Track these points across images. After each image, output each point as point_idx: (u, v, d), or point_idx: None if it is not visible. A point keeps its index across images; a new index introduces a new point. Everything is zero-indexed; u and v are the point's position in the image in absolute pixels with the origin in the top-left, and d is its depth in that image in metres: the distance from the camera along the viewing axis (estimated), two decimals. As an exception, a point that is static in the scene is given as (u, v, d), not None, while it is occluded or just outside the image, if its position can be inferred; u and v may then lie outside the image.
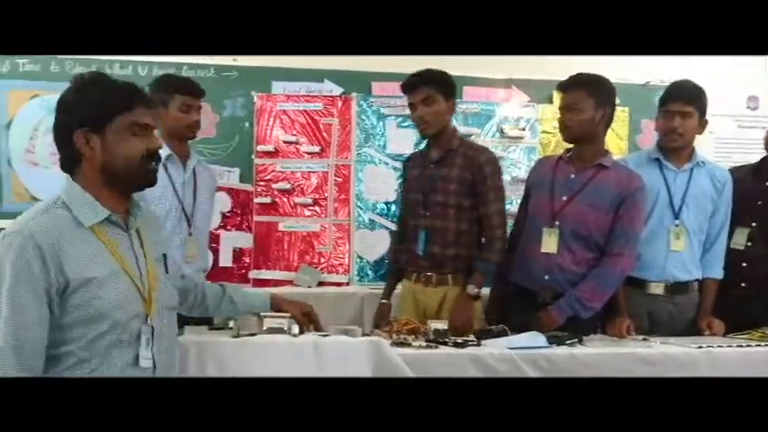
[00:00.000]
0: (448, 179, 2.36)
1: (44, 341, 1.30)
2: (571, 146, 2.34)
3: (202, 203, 2.59)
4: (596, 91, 2.23)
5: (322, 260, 3.51)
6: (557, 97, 2.39)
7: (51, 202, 1.40)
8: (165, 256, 1.54)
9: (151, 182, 1.47)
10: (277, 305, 1.89)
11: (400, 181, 3.57)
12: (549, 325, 2.14)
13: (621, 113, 3.66)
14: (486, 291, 2.43)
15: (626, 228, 2.22)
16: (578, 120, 2.23)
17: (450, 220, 2.36)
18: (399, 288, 2.61)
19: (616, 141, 3.69)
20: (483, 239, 2.41)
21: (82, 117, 1.39)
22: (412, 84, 2.39)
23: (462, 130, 3.50)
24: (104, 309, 1.34)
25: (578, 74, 2.28)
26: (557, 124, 2.38)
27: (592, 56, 1.82)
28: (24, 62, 3.44)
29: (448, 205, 2.36)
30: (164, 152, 2.46)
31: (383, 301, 2.56)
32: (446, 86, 2.39)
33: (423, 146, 2.64)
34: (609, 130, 2.36)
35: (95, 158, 1.40)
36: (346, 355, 1.79)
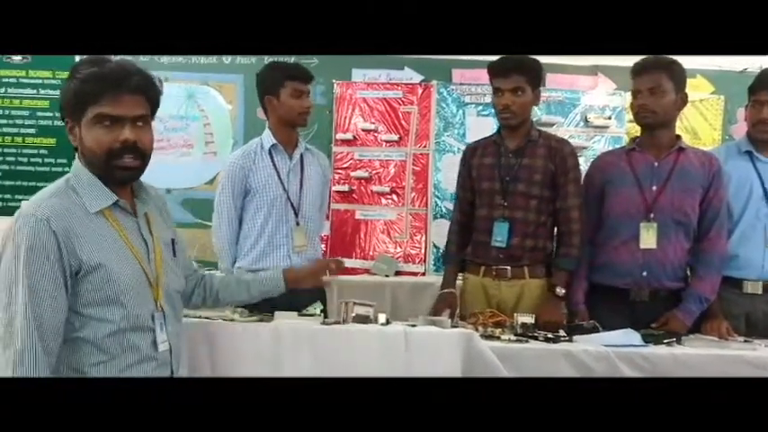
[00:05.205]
0: (532, 169, 2.28)
1: (62, 322, 1.31)
2: (637, 136, 2.31)
3: (310, 192, 2.47)
4: (675, 73, 2.18)
5: (398, 249, 3.51)
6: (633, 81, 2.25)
7: (63, 183, 1.39)
8: (173, 241, 1.53)
9: (120, 177, 1.39)
10: (293, 279, 1.80)
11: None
12: (680, 330, 2.08)
13: (716, 102, 3.48)
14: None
15: (718, 209, 2.18)
16: (664, 103, 2.16)
17: (531, 211, 2.28)
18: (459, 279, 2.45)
19: (708, 131, 3.51)
20: (561, 234, 2.29)
21: (65, 107, 1.37)
22: (504, 69, 2.26)
23: (545, 119, 3.43)
24: (116, 293, 1.34)
25: (655, 56, 2.18)
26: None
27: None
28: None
29: (530, 196, 2.27)
30: (268, 141, 2.42)
31: (449, 290, 2.38)
32: (536, 76, 2.29)
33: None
34: (702, 119, 2.29)
35: (81, 148, 1.38)
36: (437, 345, 1.77)
